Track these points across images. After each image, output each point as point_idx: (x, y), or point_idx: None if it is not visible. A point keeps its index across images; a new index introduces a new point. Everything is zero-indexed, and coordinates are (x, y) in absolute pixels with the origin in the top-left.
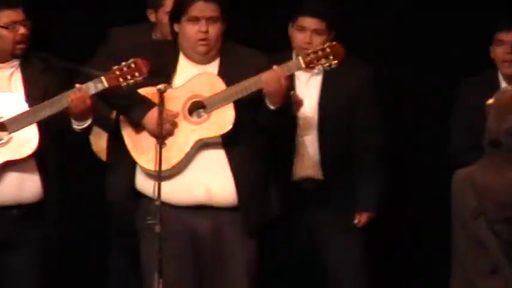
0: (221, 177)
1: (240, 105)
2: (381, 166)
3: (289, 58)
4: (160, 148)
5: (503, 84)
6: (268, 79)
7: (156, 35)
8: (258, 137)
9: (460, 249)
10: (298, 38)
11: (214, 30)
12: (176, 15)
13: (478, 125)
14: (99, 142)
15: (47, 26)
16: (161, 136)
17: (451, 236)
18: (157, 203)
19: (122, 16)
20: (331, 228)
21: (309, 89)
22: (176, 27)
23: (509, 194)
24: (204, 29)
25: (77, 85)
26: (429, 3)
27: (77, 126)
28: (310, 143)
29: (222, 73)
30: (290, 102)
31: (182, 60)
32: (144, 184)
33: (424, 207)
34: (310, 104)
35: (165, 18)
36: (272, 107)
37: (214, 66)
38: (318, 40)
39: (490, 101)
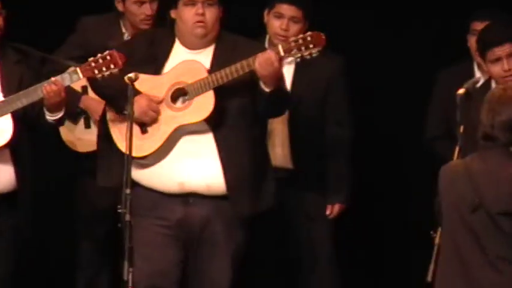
0: (209, 165)
1: (230, 94)
2: (349, 158)
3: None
4: (130, 133)
5: (478, 74)
6: (261, 62)
7: (125, 24)
8: (252, 126)
9: (457, 241)
10: (275, 24)
11: (210, 13)
12: (172, 1)
13: (453, 114)
14: (69, 134)
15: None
16: (129, 125)
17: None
18: (127, 191)
19: (90, 5)
20: (300, 215)
21: None
22: (173, 13)
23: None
24: (200, 11)
25: (53, 78)
26: None
27: (50, 117)
28: (280, 133)
29: (216, 59)
30: (284, 85)
31: (177, 47)
32: (133, 171)
33: (391, 197)
34: None
35: (132, 7)
36: (267, 90)
37: (208, 53)
38: (294, 28)
39: (461, 90)
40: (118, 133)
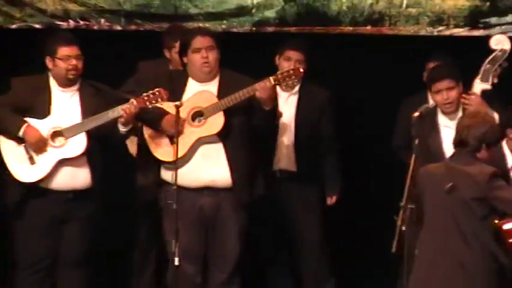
0: (220, 166)
1: (234, 113)
2: (339, 163)
3: None
4: (177, 144)
5: (431, 101)
6: (263, 87)
7: (172, 67)
8: (248, 136)
9: (437, 219)
10: (285, 65)
11: (212, 55)
12: (184, 51)
13: (410, 131)
14: (133, 145)
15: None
16: (176, 136)
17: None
18: (174, 187)
19: (146, 53)
20: (299, 206)
21: (287, 104)
22: (185, 59)
23: (481, 177)
24: (205, 55)
25: (132, 100)
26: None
27: (123, 129)
28: (287, 144)
29: (221, 88)
30: (277, 106)
31: (191, 82)
32: (163, 173)
33: (369, 193)
34: (289, 115)
35: (175, 56)
36: (267, 108)
37: (214, 84)
38: (300, 66)
39: (416, 113)
40: (153, 144)
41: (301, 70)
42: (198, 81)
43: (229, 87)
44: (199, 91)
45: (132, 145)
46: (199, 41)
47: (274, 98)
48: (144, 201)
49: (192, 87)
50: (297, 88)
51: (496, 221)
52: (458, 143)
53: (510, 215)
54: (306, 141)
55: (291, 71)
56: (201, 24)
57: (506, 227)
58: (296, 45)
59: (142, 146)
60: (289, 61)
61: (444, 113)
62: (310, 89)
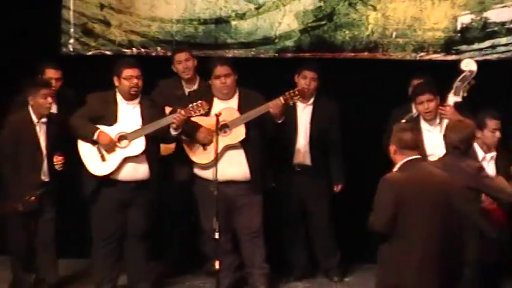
0: (241, 165)
1: (252, 125)
2: (343, 160)
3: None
4: (216, 147)
5: (414, 111)
6: (275, 105)
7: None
8: (262, 143)
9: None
10: (302, 83)
11: (229, 80)
12: (208, 78)
13: None
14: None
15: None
16: (211, 143)
17: None
18: (215, 178)
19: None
20: (312, 193)
21: (304, 113)
22: (210, 82)
23: (472, 171)
24: (223, 80)
25: (179, 110)
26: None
27: (174, 133)
28: (304, 144)
29: (240, 104)
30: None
31: (215, 100)
32: (197, 171)
33: (366, 183)
34: (305, 122)
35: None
36: (278, 121)
37: (234, 100)
38: (313, 84)
39: (403, 121)
40: (188, 149)
41: (304, 90)
42: (221, 99)
43: (247, 103)
44: (224, 107)
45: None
46: (219, 70)
47: (283, 113)
48: (179, 191)
49: (217, 104)
50: (311, 100)
51: (485, 204)
52: (451, 146)
53: (497, 198)
54: (318, 142)
55: (296, 92)
56: (235, 51)
57: (490, 207)
58: (310, 66)
59: (179, 151)
60: (305, 79)
61: (425, 120)
62: (322, 101)
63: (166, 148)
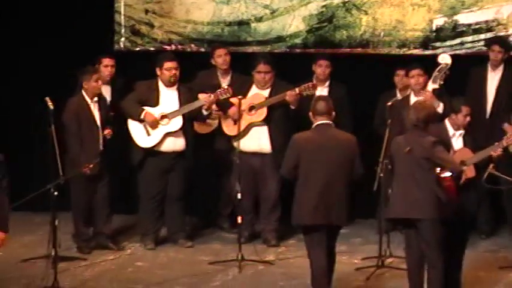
0: (264, 139)
1: (274, 108)
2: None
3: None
4: (239, 125)
5: (398, 95)
6: (291, 94)
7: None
8: (282, 122)
9: (401, 171)
10: (318, 71)
11: (268, 76)
12: (252, 69)
13: (385, 115)
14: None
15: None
16: (239, 118)
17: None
18: (237, 151)
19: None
20: None
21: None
22: (253, 74)
23: (427, 144)
24: (263, 76)
25: (210, 94)
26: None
27: (205, 113)
28: None
29: (271, 93)
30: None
31: (253, 87)
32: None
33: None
34: None
35: (218, 62)
36: (293, 107)
37: (268, 90)
38: (327, 70)
39: (389, 103)
40: (224, 124)
41: (316, 83)
42: (258, 88)
43: (277, 92)
44: (255, 93)
45: (198, 125)
46: (261, 67)
47: (298, 101)
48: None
49: (254, 90)
50: (327, 84)
51: (437, 171)
52: (413, 123)
53: (445, 168)
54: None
55: (311, 85)
56: (254, 48)
57: (443, 175)
58: (324, 56)
59: (219, 126)
60: (321, 67)
61: (415, 94)
62: (335, 85)
63: (204, 127)
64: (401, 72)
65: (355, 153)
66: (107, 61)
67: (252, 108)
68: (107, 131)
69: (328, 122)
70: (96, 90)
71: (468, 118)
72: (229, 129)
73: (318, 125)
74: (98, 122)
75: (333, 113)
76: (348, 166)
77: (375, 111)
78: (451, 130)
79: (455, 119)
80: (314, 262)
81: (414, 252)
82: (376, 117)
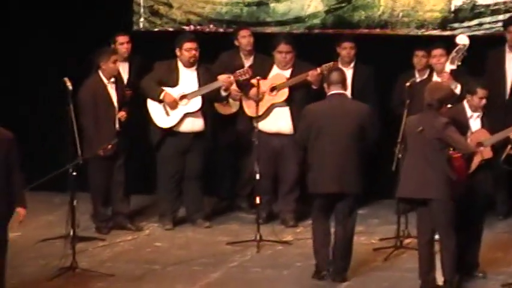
0: (285, 120)
1: (295, 89)
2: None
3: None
4: (257, 106)
5: (417, 75)
6: (312, 74)
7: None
8: (303, 102)
9: (414, 150)
10: (343, 52)
11: (289, 56)
12: (273, 49)
13: (403, 95)
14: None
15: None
16: (260, 100)
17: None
18: (256, 130)
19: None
20: None
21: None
22: (274, 54)
23: (439, 124)
24: (284, 56)
25: (229, 75)
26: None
27: (224, 94)
28: None
29: (292, 73)
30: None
31: (274, 67)
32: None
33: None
34: (348, 81)
35: (242, 43)
36: (315, 88)
37: (289, 70)
38: (352, 52)
39: (408, 83)
40: (245, 105)
41: (337, 64)
42: (280, 68)
43: (298, 72)
44: (276, 74)
45: (219, 106)
46: (282, 47)
47: (320, 81)
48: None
49: (275, 71)
50: (352, 65)
51: (449, 152)
52: (427, 105)
53: (457, 148)
54: (357, 96)
55: (331, 64)
56: (272, 28)
57: (454, 155)
58: (348, 38)
59: (241, 107)
60: (345, 49)
61: (437, 74)
62: (360, 66)
63: (225, 108)
64: (420, 53)
65: (368, 122)
66: (121, 39)
67: (273, 89)
68: (121, 113)
69: (341, 91)
70: (113, 72)
71: (484, 101)
72: (250, 110)
73: (331, 94)
74: (115, 103)
75: (347, 84)
76: (360, 135)
77: (393, 91)
78: (468, 111)
79: (471, 100)
80: (316, 229)
81: (425, 231)
82: (394, 97)
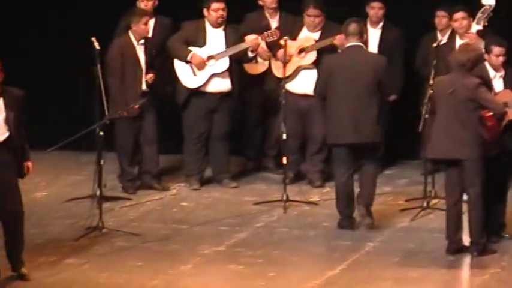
0: (313, 82)
1: (323, 50)
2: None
3: None
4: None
5: (439, 36)
6: (340, 38)
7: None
8: None
9: (442, 112)
10: (371, 12)
11: (318, 20)
12: (302, 12)
13: (428, 56)
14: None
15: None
16: (288, 61)
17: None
18: (283, 91)
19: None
20: None
21: (373, 36)
22: (303, 16)
23: (471, 85)
24: (313, 20)
25: (256, 36)
26: None
27: (251, 55)
28: None
29: (322, 35)
30: None
31: (304, 29)
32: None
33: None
34: (374, 44)
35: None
36: (339, 51)
37: (318, 33)
38: (380, 12)
39: (434, 44)
40: (274, 66)
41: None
42: (309, 31)
43: (327, 35)
44: (304, 36)
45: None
46: (311, 11)
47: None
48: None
49: (304, 32)
50: (380, 25)
51: (482, 111)
52: (458, 64)
53: (489, 108)
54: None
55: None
56: None
57: (487, 114)
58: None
59: (269, 67)
60: (373, 9)
61: (460, 36)
62: (388, 26)
63: (254, 68)
64: (440, 13)
65: (384, 73)
66: None
67: (301, 50)
68: (148, 76)
69: (358, 43)
70: (144, 33)
71: (500, 58)
72: (278, 71)
73: (348, 46)
74: (143, 64)
75: (365, 36)
76: (377, 86)
77: (417, 53)
78: (491, 72)
79: (489, 59)
80: (336, 179)
81: (454, 192)
82: (417, 58)
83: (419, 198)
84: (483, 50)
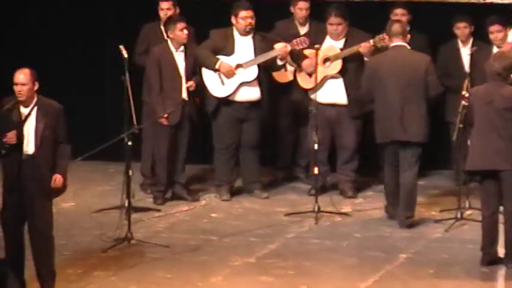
0: (340, 91)
1: (348, 60)
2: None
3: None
4: (315, 76)
5: (460, 45)
6: (365, 46)
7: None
8: (357, 73)
9: (480, 122)
10: (397, 14)
11: (340, 27)
12: (325, 22)
13: (449, 67)
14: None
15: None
16: (315, 70)
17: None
18: (313, 99)
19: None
20: None
21: None
22: (326, 24)
23: (509, 94)
24: (335, 28)
25: (285, 44)
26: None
27: (280, 63)
28: None
29: (346, 44)
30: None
31: (327, 38)
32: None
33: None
34: None
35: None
36: (367, 59)
37: (342, 41)
38: (404, 19)
39: (470, 52)
40: (299, 77)
41: (387, 36)
42: (332, 39)
43: (352, 43)
44: (329, 45)
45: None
46: (333, 20)
47: (372, 53)
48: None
49: (328, 41)
50: None
51: None
52: (495, 73)
53: None
54: None
55: (382, 36)
56: None
57: None
58: (401, 4)
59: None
60: (396, 16)
61: (497, 46)
62: (414, 34)
63: (282, 76)
64: (461, 25)
65: (429, 72)
66: (162, 5)
67: (326, 60)
68: (190, 83)
69: (402, 43)
70: (182, 40)
71: None
72: (303, 82)
73: (392, 46)
74: (182, 72)
75: (408, 36)
76: (422, 85)
77: (436, 61)
78: None
79: None
80: (384, 179)
81: (490, 203)
82: (437, 68)
83: (454, 209)
84: None
